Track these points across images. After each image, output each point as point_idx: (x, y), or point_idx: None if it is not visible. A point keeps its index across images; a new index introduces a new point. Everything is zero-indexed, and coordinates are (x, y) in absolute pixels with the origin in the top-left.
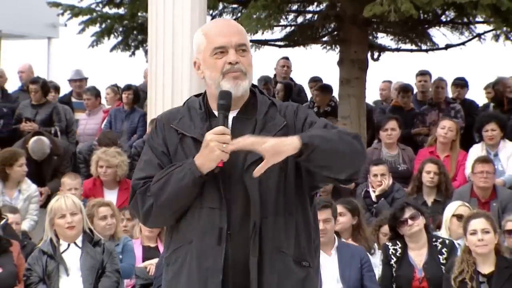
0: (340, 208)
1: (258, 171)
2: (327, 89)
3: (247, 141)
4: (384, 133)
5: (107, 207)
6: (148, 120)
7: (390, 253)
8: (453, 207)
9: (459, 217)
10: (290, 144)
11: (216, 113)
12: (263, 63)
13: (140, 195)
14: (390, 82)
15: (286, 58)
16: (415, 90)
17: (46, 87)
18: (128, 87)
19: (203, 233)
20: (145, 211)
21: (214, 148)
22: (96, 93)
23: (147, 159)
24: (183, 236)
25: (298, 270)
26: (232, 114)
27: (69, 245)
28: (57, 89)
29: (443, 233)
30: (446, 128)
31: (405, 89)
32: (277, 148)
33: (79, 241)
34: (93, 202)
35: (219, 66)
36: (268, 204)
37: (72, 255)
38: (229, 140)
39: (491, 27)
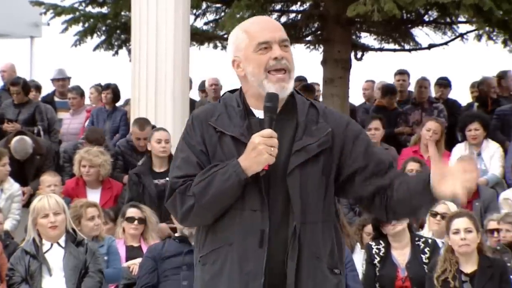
0: None
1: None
2: (309, 88)
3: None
4: (367, 133)
5: (94, 208)
6: (131, 120)
7: (374, 252)
8: (436, 205)
9: (434, 215)
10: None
11: (254, 111)
12: None
13: (179, 194)
14: (373, 81)
15: None
16: None
17: (27, 86)
18: (107, 86)
19: (245, 236)
20: (185, 211)
21: (262, 151)
22: (81, 93)
23: (185, 156)
24: (223, 237)
25: (332, 277)
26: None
27: (52, 245)
28: (38, 88)
29: (425, 232)
30: (431, 131)
31: (391, 91)
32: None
33: (62, 241)
34: (81, 203)
35: (263, 61)
36: (308, 210)
37: (55, 255)
38: (277, 144)
39: (473, 27)
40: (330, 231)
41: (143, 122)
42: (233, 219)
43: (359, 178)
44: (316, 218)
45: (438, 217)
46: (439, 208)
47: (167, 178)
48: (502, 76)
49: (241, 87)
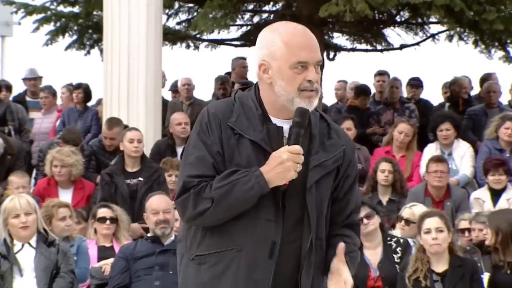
0: None
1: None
2: None
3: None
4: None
5: (66, 208)
6: (104, 119)
7: None
8: (403, 209)
9: (406, 221)
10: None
11: (271, 118)
12: (218, 62)
13: (194, 195)
14: (345, 82)
15: (244, 59)
16: (373, 90)
17: None
18: (78, 86)
19: (256, 244)
20: (197, 213)
21: (290, 168)
22: (53, 92)
23: (200, 155)
24: (231, 241)
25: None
26: (287, 124)
27: (23, 245)
28: (9, 87)
29: (397, 232)
30: (403, 134)
31: (364, 92)
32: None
33: (33, 241)
34: (53, 203)
35: (298, 82)
36: (320, 225)
37: (26, 256)
38: (302, 160)
39: (444, 28)
40: (329, 247)
41: (111, 122)
42: (246, 226)
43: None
44: (323, 233)
45: (403, 222)
46: (404, 213)
47: (140, 178)
48: (486, 78)
49: (256, 88)
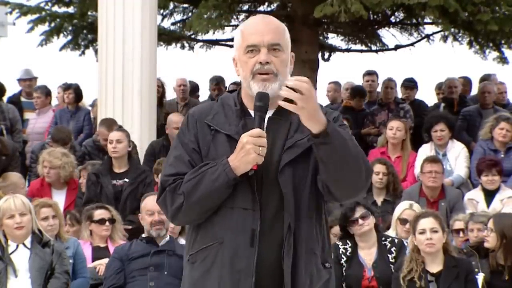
0: None
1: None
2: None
3: (303, 86)
4: None
5: (49, 208)
6: (99, 120)
7: (340, 252)
8: (399, 210)
9: (403, 221)
10: (319, 120)
11: (251, 112)
12: (214, 63)
13: (169, 192)
14: (337, 83)
15: None
16: None
17: None
18: (69, 87)
19: (236, 234)
20: (175, 209)
21: (250, 150)
22: (46, 92)
23: (178, 155)
24: (213, 235)
25: (324, 272)
26: (267, 115)
27: (17, 246)
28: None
29: (392, 233)
30: (394, 129)
31: (360, 93)
32: (312, 114)
33: (27, 242)
34: (36, 203)
35: (250, 65)
36: (302, 206)
37: (21, 256)
38: (265, 143)
39: (439, 28)
40: (321, 226)
41: (110, 123)
42: (224, 217)
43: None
44: (310, 213)
45: (408, 225)
46: (404, 214)
47: (126, 179)
48: (485, 79)
49: (240, 87)
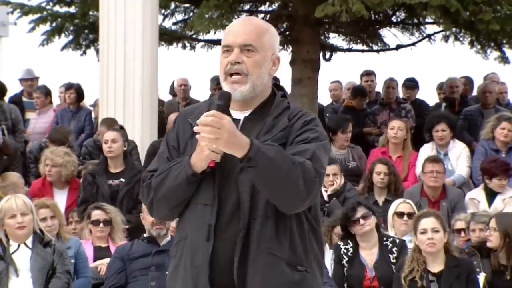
0: None
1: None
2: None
3: (208, 120)
4: (343, 136)
5: (47, 209)
6: (100, 119)
7: (342, 252)
8: (394, 205)
9: (399, 214)
10: (240, 147)
11: (232, 112)
12: (215, 63)
13: (145, 188)
14: (339, 82)
15: None
16: None
17: None
18: (70, 86)
19: (196, 229)
20: (148, 204)
21: (203, 148)
22: (46, 92)
23: (160, 152)
24: (182, 231)
25: (291, 273)
26: (244, 114)
27: (19, 245)
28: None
29: (390, 231)
30: (395, 128)
31: (361, 93)
32: (229, 143)
33: (29, 241)
34: (35, 203)
35: (223, 65)
36: (259, 206)
37: (22, 256)
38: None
39: (440, 28)
40: (288, 227)
41: (111, 123)
42: (190, 213)
43: None
44: (268, 213)
45: (405, 217)
46: (400, 208)
47: (122, 179)
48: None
49: None
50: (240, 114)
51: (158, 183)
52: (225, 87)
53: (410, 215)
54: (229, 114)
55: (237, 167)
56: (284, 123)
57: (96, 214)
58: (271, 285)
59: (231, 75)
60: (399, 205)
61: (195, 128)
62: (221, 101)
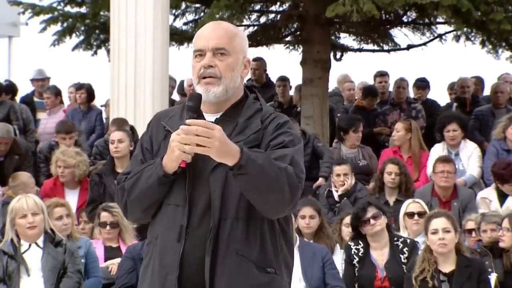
0: (310, 211)
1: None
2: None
3: (198, 130)
4: (355, 135)
5: (62, 208)
6: (110, 119)
7: (353, 252)
8: (404, 206)
9: (410, 214)
10: (231, 155)
11: (205, 115)
12: None
13: (119, 190)
14: (353, 82)
15: (261, 59)
16: None
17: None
18: (81, 86)
19: (167, 229)
20: (122, 206)
21: (174, 148)
22: (56, 92)
23: (135, 154)
24: (153, 231)
25: (259, 275)
26: (215, 116)
27: (30, 245)
28: (12, 88)
29: (403, 233)
30: (394, 130)
31: (372, 93)
32: (221, 152)
33: (40, 241)
34: (48, 203)
35: (196, 69)
36: (229, 207)
37: (33, 256)
38: (190, 141)
39: (452, 28)
40: (259, 229)
41: (121, 123)
42: (162, 213)
43: None
44: (238, 214)
45: (416, 217)
46: (410, 208)
47: None
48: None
49: None
50: (212, 117)
51: (131, 185)
52: (199, 89)
53: (420, 214)
54: (201, 117)
55: (209, 167)
56: (257, 125)
57: (104, 216)
58: (239, 286)
59: (204, 78)
60: (408, 205)
61: (182, 137)
62: (191, 102)
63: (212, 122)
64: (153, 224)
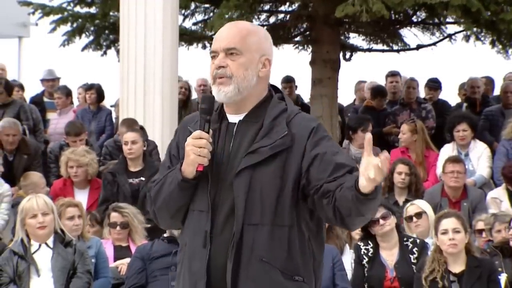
0: None
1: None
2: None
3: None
4: (363, 135)
5: (75, 208)
6: (120, 120)
7: (362, 253)
8: (404, 211)
9: (409, 218)
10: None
11: (228, 116)
12: None
13: (148, 198)
14: (365, 82)
15: None
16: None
17: (9, 86)
18: (91, 87)
19: (194, 236)
20: (152, 214)
21: (189, 152)
22: (66, 92)
23: (163, 162)
24: (182, 238)
25: (285, 282)
26: (239, 118)
27: (40, 245)
28: (22, 87)
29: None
30: (400, 132)
31: (381, 93)
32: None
33: (50, 241)
34: (61, 202)
35: (211, 71)
36: (254, 212)
37: (43, 256)
38: (206, 144)
39: (461, 28)
40: (286, 235)
41: (131, 123)
42: (189, 220)
43: (314, 184)
44: (264, 220)
45: (414, 219)
46: (411, 209)
47: (142, 178)
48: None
49: None
50: (235, 118)
51: (156, 192)
52: (213, 90)
53: (418, 215)
54: (210, 118)
55: (232, 172)
56: (283, 129)
57: (114, 217)
58: None
59: (217, 78)
60: (407, 209)
61: (195, 141)
62: (204, 104)
63: (236, 123)
64: (182, 231)
